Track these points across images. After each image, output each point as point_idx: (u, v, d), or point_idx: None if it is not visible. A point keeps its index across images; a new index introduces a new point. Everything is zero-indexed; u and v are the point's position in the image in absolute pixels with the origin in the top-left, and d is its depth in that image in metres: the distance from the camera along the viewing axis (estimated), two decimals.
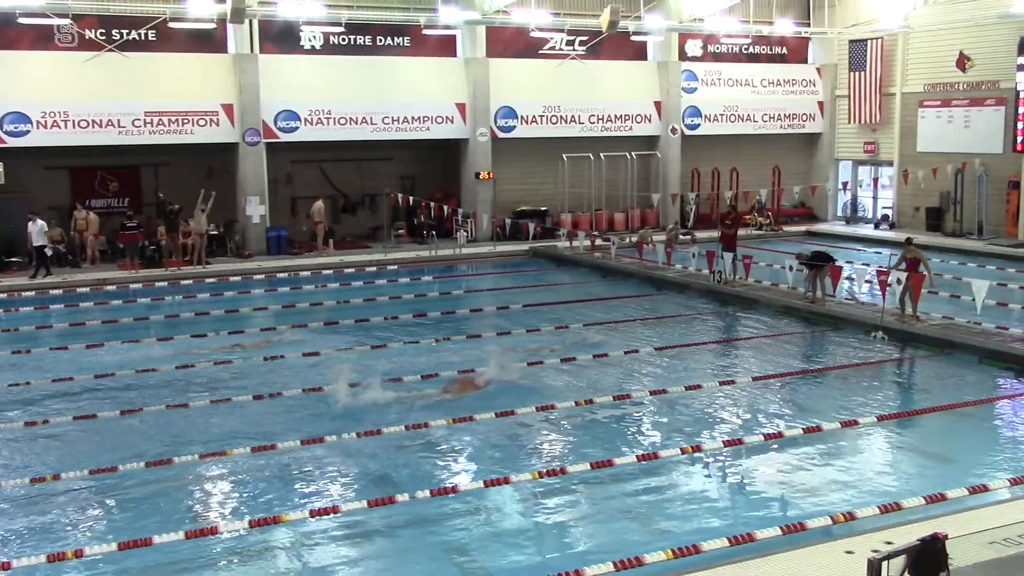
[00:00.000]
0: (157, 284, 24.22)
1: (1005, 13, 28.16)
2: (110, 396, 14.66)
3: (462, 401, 14.04)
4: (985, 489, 10.27)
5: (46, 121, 25.59)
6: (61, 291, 23.12)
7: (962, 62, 30.73)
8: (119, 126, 26.32)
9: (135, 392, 14.87)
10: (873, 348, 17.24)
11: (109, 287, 23.77)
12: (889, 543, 8.13)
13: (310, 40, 28.79)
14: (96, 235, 26.29)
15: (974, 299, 17.21)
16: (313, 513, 10.05)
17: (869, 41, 33.12)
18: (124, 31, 26.58)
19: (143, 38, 26.83)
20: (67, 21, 25.56)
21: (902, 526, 8.97)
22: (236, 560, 9.31)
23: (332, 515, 10.04)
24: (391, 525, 9.97)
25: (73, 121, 25.88)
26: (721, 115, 34.16)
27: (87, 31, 26.19)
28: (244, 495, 10.94)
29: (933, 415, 13.38)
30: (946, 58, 31.17)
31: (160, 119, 26.71)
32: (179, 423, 13.36)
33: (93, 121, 26.06)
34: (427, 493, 10.44)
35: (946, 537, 6.89)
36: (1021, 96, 28.27)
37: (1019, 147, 28.65)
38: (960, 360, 16.14)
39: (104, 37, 26.38)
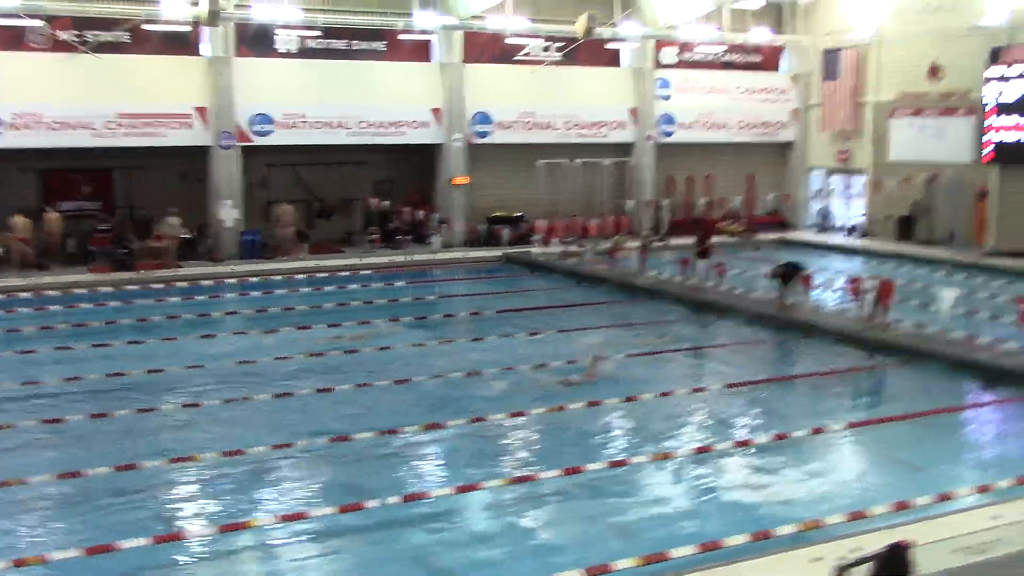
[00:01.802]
0: (128, 287, 24.01)
1: (976, 24, 28.48)
2: (78, 400, 14.53)
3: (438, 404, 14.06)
4: (951, 497, 10.37)
5: (18, 123, 25.33)
6: (30, 294, 22.89)
7: (934, 72, 31.03)
8: (92, 128, 26.11)
9: (103, 396, 14.74)
10: (843, 355, 17.36)
11: (79, 290, 23.55)
12: (856, 550, 8.18)
13: (285, 44, 28.65)
14: (27, 239, 25.52)
15: (943, 308, 17.40)
16: (282, 519, 10.02)
17: (842, 51, 33.40)
18: (98, 33, 26.38)
19: (117, 40, 26.63)
20: (40, 23, 25.32)
21: (869, 533, 9.01)
22: (204, 566, 9.27)
23: (301, 521, 10.01)
24: (360, 531, 9.95)
25: (46, 123, 25.64)
26: (695, 122, 34.31)
27: (60, 32, 25.96)
28: (214, 499, 10.89)
29: (901, 423, 13.48)
30: (918, 68, 31.44)
31: (133, 122, 26.52)
32: (154, 426, 13.27)
33: (66, 123, 25.82)
34: (398, 499, 10.43)
35: (912, 544, 6.96)
36: (991, 107, 28.57)
37: (988, 157, 28.95)
38: (929, 368, 16.26)
39: (78, 39, 26.17)
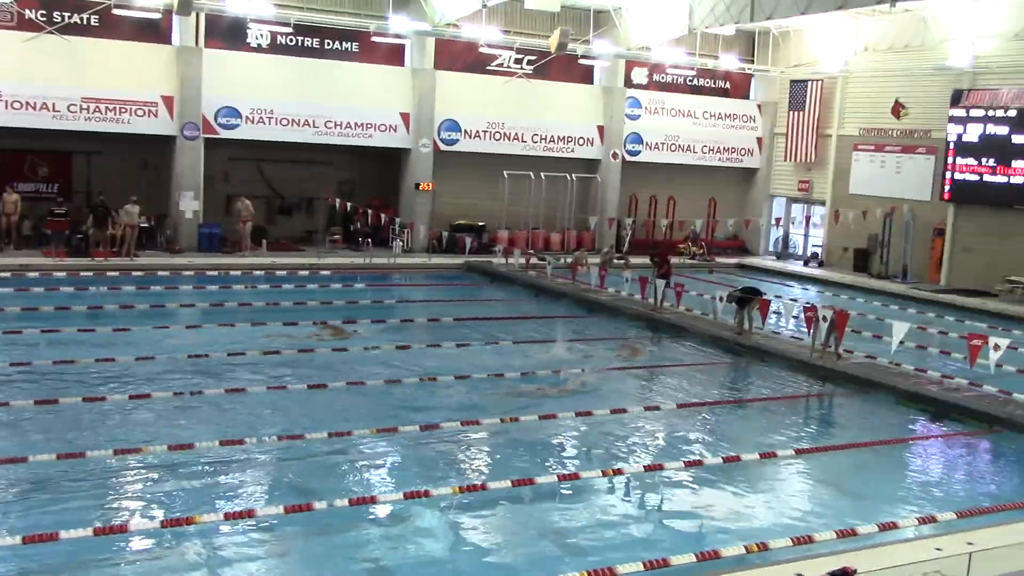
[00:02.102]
0: (82, 274, 23.62)
1: (940, 66, 29.05)
2: (24, 385, 14.27)
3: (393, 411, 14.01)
4: (895, 526, 10.49)
5: None
6: None
7: (897, 110, 31.58)
8: (54, 110, 25.71)
9: (50, 383, 14.49)
10: (796, 382, 17.53)
11: (31, 273, 23.18)
12: (800, 575, 8.26)
13: (257, 38, 28.50)
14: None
15: (894, 341, 17.61)
16: (226, 516, 9.90)
17: (809, 82, 33.87)
18: (66, 14, 26.02)
19: (85, 23, 26.30)
20: (7, 0, 24.91)
21: (813, 558, 9.08)
22: (146, 560, 9.12)
23: (247, 519, 9.89)
24: (305, 533, 9.85)
25: (6, 102, 25.21)
26: (662, 143, 34.58)
27: (27, 11, 25.58)
28: (159, 493, 10.72)
29: (849, 451, 13.64)
30: (882, 104, 32.00)
31: (97, 106, 26.17)
32: (101, 416, 13.04)
33: (27, 103, 25.42)
34: (345, 503, 10.35)
35: (855, 571, 7.03)
36: (951, 147, 29.11)
37: (946, 196, 29.48)
38: (878, 399, 16.47)
39: (45, 19, 25.80)
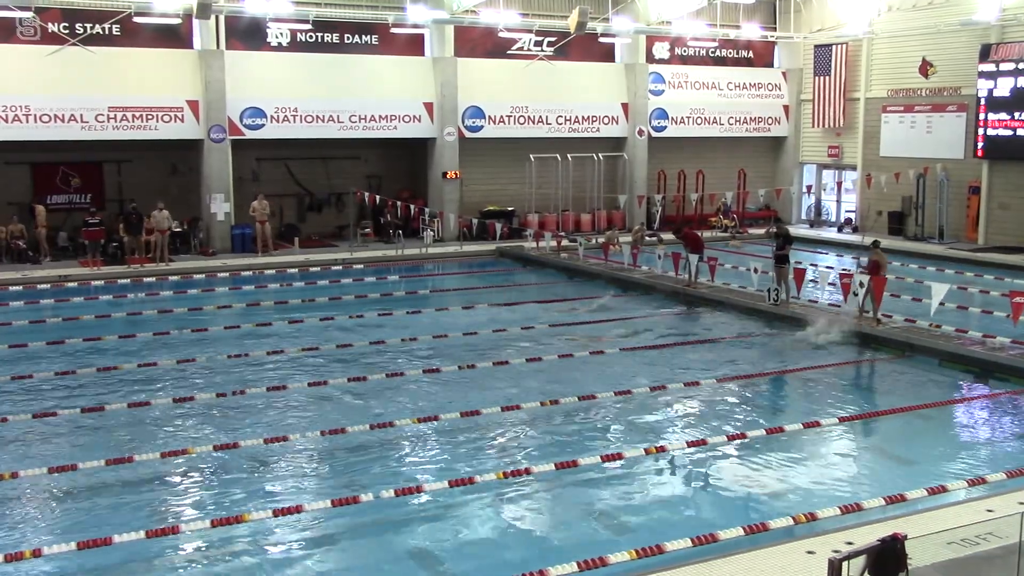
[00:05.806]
0: (119, 281, 23.89)
1: (967, 20, 28.56)
2: (70, 394, 14.47)
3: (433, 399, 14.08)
4: (944, 490, 10.41)
5: (7, 115, 25.17)
6: (21, 288, 22.83)
7: (925, 68, 31.14)
8: (82, 121, 25.97)
9: (97, 389, 14.69)
10: (835, 350, 17.39)
11: (70, 284, 23.48)
12: (850, 543, 8.22)
13: (277, 37, 28.60)
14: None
15: (934, 302, 17.41)
16: (274, 512, 9.99)
17: (834, 46, 33.47)
18: (88, 25, 26.25)
19: (107, 32, 26.52)
20: (30, 14, 25.12)
21: (863, 526, 9.06)
22: (199, 560, 9.24)
23: (295, 515, 9.98)
24: (353, 526, 9.94)
25: (35, 115, 25.49)
26: (688, 118, 34.34)
27: (50, 24, 25.83)
28: (206, 493, 10.86)
29: (893, 417, 13.54)
30: (909, 64, 31.57)
31: (124, 115, 26.39)
32: (146, 420, 13.21)
33: (55, 116, 25.69)
34: (391, 493, 10.42)
35: (905, 537, 6.97)
36: (982, 103, 28.67)
37: (979, 153, 29.07)
38: (920, 363, 16.34)
39: (67, 31, 26.04)
